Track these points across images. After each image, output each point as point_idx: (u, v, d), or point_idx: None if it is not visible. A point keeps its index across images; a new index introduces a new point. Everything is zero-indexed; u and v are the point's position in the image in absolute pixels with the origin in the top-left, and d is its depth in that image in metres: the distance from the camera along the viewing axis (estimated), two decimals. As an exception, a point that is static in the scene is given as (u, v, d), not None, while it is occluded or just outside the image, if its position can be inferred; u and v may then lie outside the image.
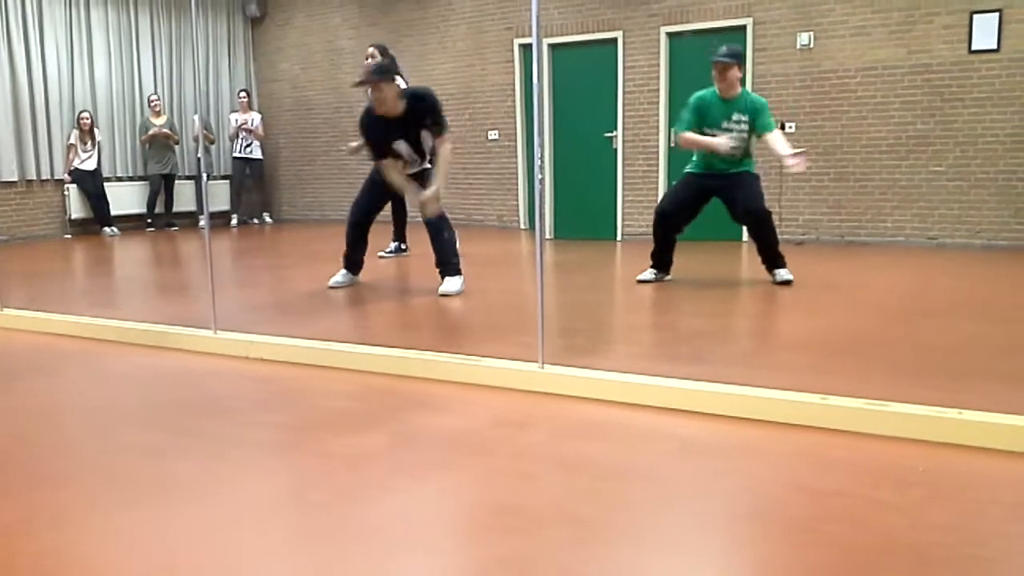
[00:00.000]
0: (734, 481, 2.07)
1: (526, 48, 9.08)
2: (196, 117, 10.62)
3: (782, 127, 7.63)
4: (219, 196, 10.98)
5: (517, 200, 9.32)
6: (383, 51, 6.71)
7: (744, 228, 7.96)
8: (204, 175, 4.08)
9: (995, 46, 6.79)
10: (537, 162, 3.05)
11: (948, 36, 6.96)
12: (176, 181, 10.41)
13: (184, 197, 10.63)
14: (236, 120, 10.60)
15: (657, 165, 8.22)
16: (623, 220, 8.50)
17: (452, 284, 4.85)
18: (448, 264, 4.92)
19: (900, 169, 7.27)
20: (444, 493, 2.02)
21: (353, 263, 5.21)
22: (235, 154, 10.67)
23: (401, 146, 4.87)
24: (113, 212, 9.74)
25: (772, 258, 5.11)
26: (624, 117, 8.40)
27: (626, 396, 2.74)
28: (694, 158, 5.20)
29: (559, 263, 6.50)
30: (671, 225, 5.20)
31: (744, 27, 7.75)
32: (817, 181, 7.63)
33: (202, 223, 10.15)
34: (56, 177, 9.51)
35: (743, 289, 5.00)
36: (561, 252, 7.29)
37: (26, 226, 9.31)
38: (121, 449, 2.38)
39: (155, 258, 7.33)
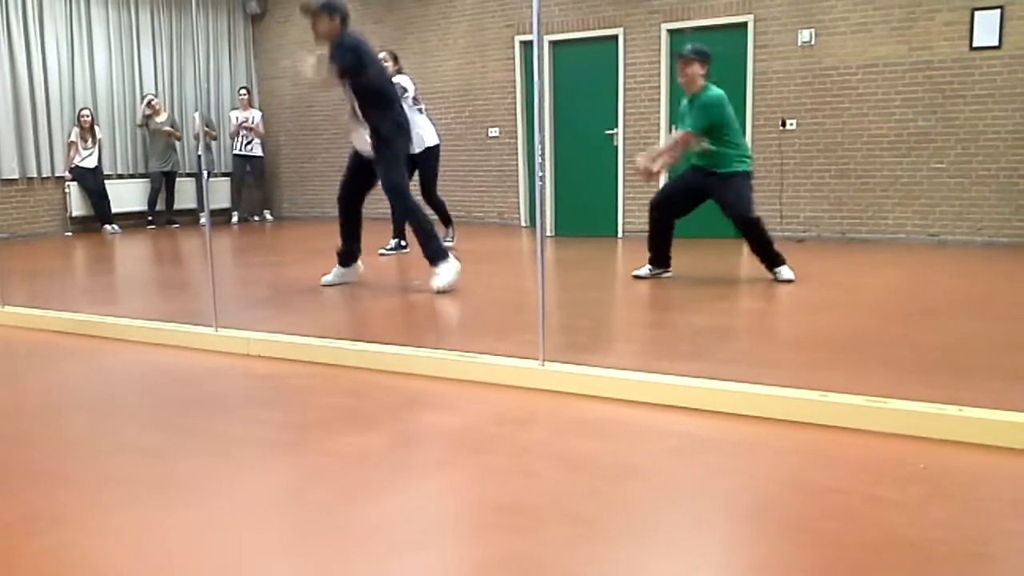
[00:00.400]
0: (734, 478, 2.07)
1: (527, 45, 9.07)
2: (197, 114, 10.62)
3: (782, 124, 7.64)
4: (220, 193, 10.99)
5: (518, 197, 9.32)
6: (395, 58, 6.85)
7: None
8: (205, 172, 4.09)
9: (996, 43, 6.78)
10: (538, 159, 3.05)
11: (949, 33, 6.95)
12: (177, 178, 10.41)
13: (185, 194, 10.63)
14: (237, 117, 10.60)
15: (658, 162, 8.20)
16: (624, 217, 8.49)
17: (437, 279, 4.79)
18: (427, 254, 4.84)
19: (901, 166, 7.27)
20: (445, 491, 2.02)
21: (344, 255, 5.16)
22: (236, 151, 10.67)
23: (350, 92, 4.86)
24: (114, 210, 9.74)
25: (769, 259, 5.09)
26: (625, 114, 8.40)
27: (626, 393, 2.74)
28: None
29: (560, 260, 6.50)
30: (662, 211, 5.21)
31: (745, 24, 7.74)
32: (818, 178, 7.62)
33: (203, 220, 10.16)
34: (57, 175, 9.51)
35: (743, 286, 5.00)
36: (562, 249, 7.29)
37: (27, 224, 9.31)
38: (121, 447, 2.38)
39: (156, 255, 7.33)
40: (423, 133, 6.76)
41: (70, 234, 9.49)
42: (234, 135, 10.63)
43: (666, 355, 3.30)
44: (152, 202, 10.17)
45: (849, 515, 1.84)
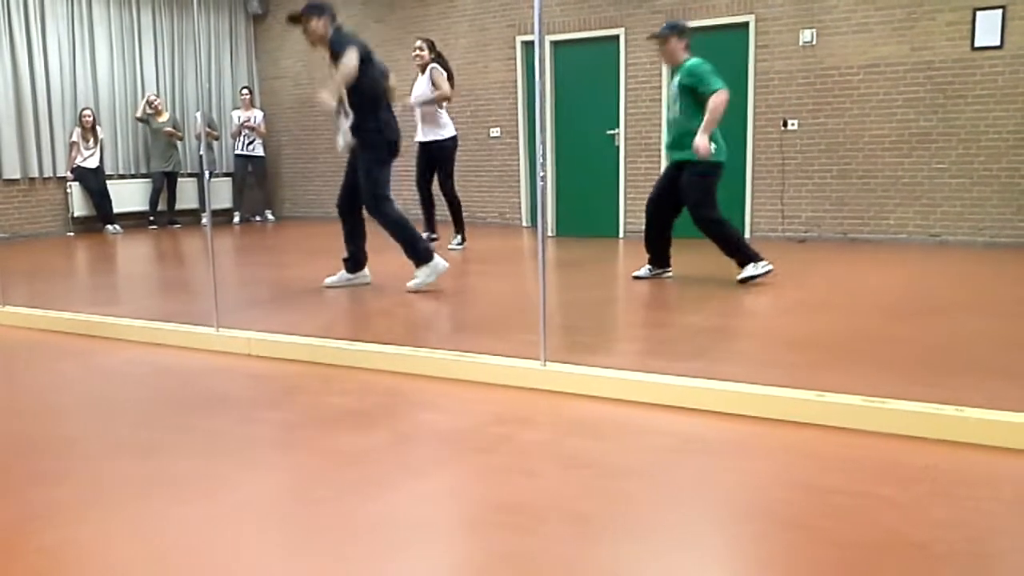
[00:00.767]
0: (734, 478, 2.07)
1: (528, 45, 9.08)
2: (198, 114, 10.63)
3: (784, 124, 7.64)
4: (221, 194, 11.00)
5: (519, 197, 9.32)
6: (431, 45, 6.99)
7: (744, 226, 7.97)
8: (206, 172, 4.09)
9: (998, 43, 6.78)
10: (539, 159, 3.05)
11: (951, 33, 6.95)
12: (178, 179, 10.42)
13: (186, 195, 10.64)
14: (238, 117, 10.61)
15: (659, 162, 8.21)
16: (625, 217, 8.49)
17: (414, 280, 4.85)
18: (410, 256, 4.88)
19: (903, 166, 7.26)
20: (445, 490, 2.02)
21: (350, 262, 5.18)
22: (237, 151, 10.68)
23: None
24: (115, 210, 9.75)
25: (732, 257, 5.00)
26: (626, 114, 8.40)
27: (627, 393, 2.75)
28: None
29: (561, 260, 6.50)
30: (652, 208, 5.20)
31: (746, 24, 7.74)
32: (820, 178, 7.62)
33: (204, 221, 10.17)
34: (58, 175, 9.52)
35: (743, 286, 5.00)
36: (563, 249, 7.29)
37: (29, 224, 9.32)
38: (121, 446, 2.39)
39: (157, 255, 7.34)
40: (443, 126, 6.97)
41: (72, 234, 9.50)
42: (236, 135, 10.64)
43: (666, 355, 3.31)
44: (154, 202, 10.18)
45: (848, 515, 1.85)
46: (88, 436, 2.49)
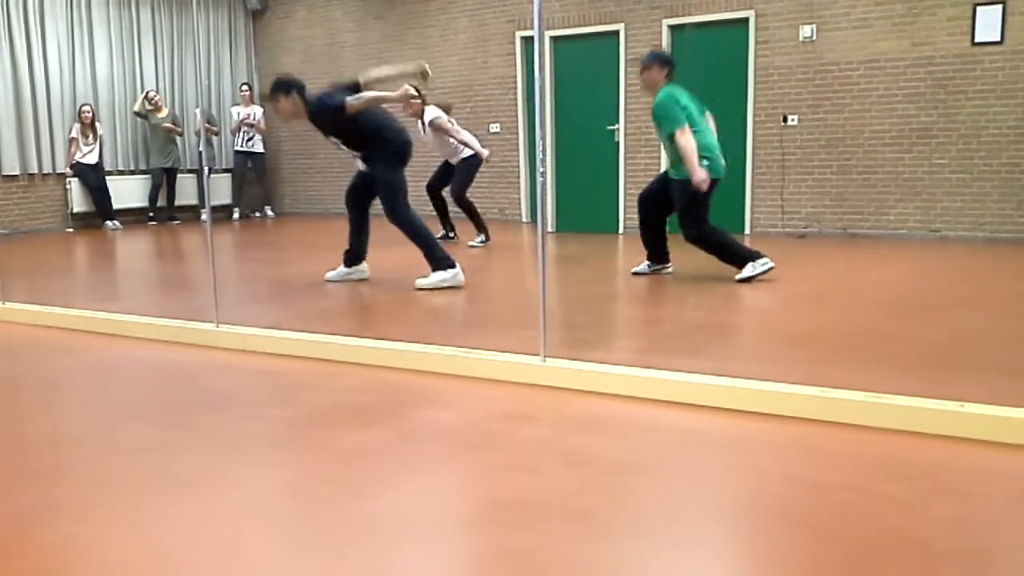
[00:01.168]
0: (735, 474, 2.07)
1: (528, 41, 9.06)
2: (198, 110, 10.62)
3: (784, 120, 7.63)
4: (221, 190, 10.99)
5: (519, 193, 9.32)
6: (417, 91, 6.54)
7: (743, 222, 7.98)
8: (206, 169, 4.09)
9: (998, 38, 6.77)
10: (539, 155, 3.05)
11: (951, 28, 6.93)
12: (178, 175, 10.41)
13: (186, 191, 10.63)
14: (238, 114, 10.60)
15: (659, 158, 8.20)
16: (625, 213, 8.49)
17: (427, 279, 4.86)
18: (430, 262, 4.90)
19: (903, 162, 7.26)
20: (446, 487, 2.02)
21: (348, 256, 5.20)
22: (237, 148, 10.67)
23: (334, 140, 4.92)
24: (115, 206, 9.74)
25: (732, 264, 5.02)
26: (626, 110, 8.39)
27: (627, 389, 2.74)
28: None
29: (561, 256, 6.50)
30: (644, 204, 5.23)
31: (746, 20, 7.72)
32: (820, 174, 7.61)
33: (204, 217, 10.16)
34: (58, 171, 9.51)
35: (744, 283, 4.99)
36: (563, 245, 7.29)
37: (28, 220, 9.31)
38: (122, 443, 2.38)
39: (157, 252, 7.33)
40: (464, 151, 7.01)
41: (71, 230, 9.50)
42: (235, 131, 10.62)
43: (667, 351, 3.30)
44: (153, 198, 10.17)
45: (850, 511, 1.84)
46: (88, 433, 2.48)
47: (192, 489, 2.03)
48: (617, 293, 4.77)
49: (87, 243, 8.16)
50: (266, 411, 2.67)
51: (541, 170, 3.02)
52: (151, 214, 10.18)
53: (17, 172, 9.17)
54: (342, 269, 5.20)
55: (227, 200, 10.99)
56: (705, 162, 4.84)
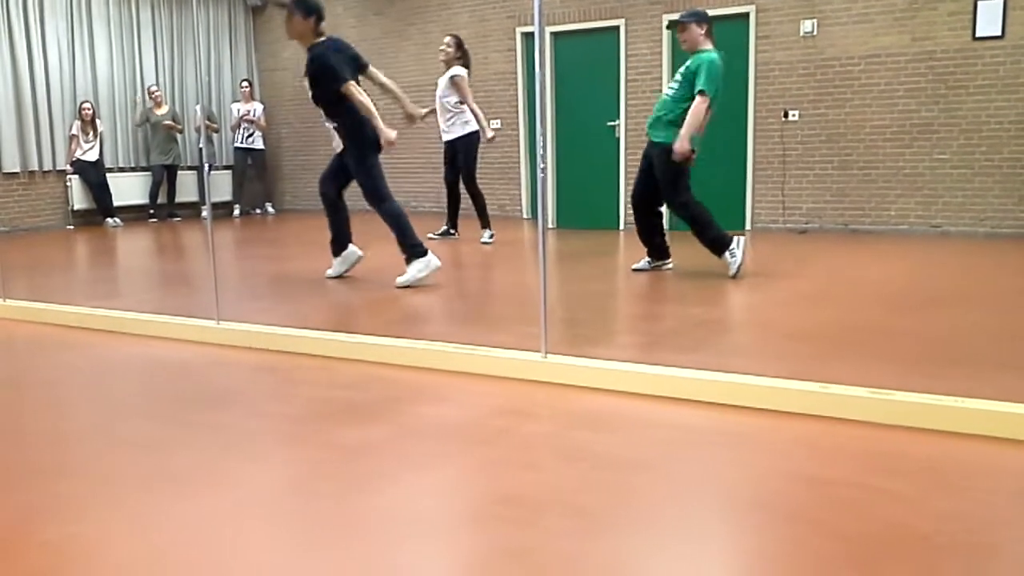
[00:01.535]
0: (737, 470, 2.07)
1: (528, 36, 9.05)
2: (198, 107, 10.61)
3: (785, 115, 7.62)
4: (221, 187, 10.99)
5: (519, 189, 9.31)
6: (459, 44, 6.96)
7: (744, 218, 7.97)
8: (206, 165, 4.08)
9: (999, 33, 6.75)
10: (539, 151, 3.05)
11: (952, 23, 6.92)
12: (178, 172, 10.40)
13: (186, 188, 10.62)
14: (238, 110, 10.59)
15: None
16: (625, 209, 8.48)
17: (404, 275, 4.83)
18: (403, 250, 4.87)
19: (904, 157, 7.25)
20: (447, 483, 2.02)
21: (333, 245, 5.19)
22: (237, 144, 10.66)
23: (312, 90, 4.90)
24: (115, 203, 9.74)
25: (707, 245, 5.01)
26: (626, 106, 8.38)
27: (629, 385, 2.74)
28: None
29: (561, 252, 6.49)
30: (636, 202, 5.23)
31: (747, 15, 7.71)
32: (821, 169, 7.60)
33: (204, 214, 10.17)
34: (58, 168, 9.51)
35: (745, 278, 4.99)
36: (563, 241, 7.29)
37: (28, 217, 9.31)
38: (123, 440, 2.38)
39: (157, 249, 7.33)
40: (466, 124, 6.99)
41: (72, 227, 9.50)
42: (235, 128, 10.61)
43: (667, 347, 3.30)
44: (153, 195, 10.17)
45: (851, 506, 1.84)
46: (89, 430, 2.48)
47: (193, 486, 2.03)
48: (618, 289, 4.77)
49: (88, 240, 8.16)
50: (267, 408, 2.67)
51: (541, 166, 3.01)
52: (152, 211, 10.18)
53: (18, 169, 9.17)
54: (336, 262, 5.22)
55: (227, 197, 10.98)
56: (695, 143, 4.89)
